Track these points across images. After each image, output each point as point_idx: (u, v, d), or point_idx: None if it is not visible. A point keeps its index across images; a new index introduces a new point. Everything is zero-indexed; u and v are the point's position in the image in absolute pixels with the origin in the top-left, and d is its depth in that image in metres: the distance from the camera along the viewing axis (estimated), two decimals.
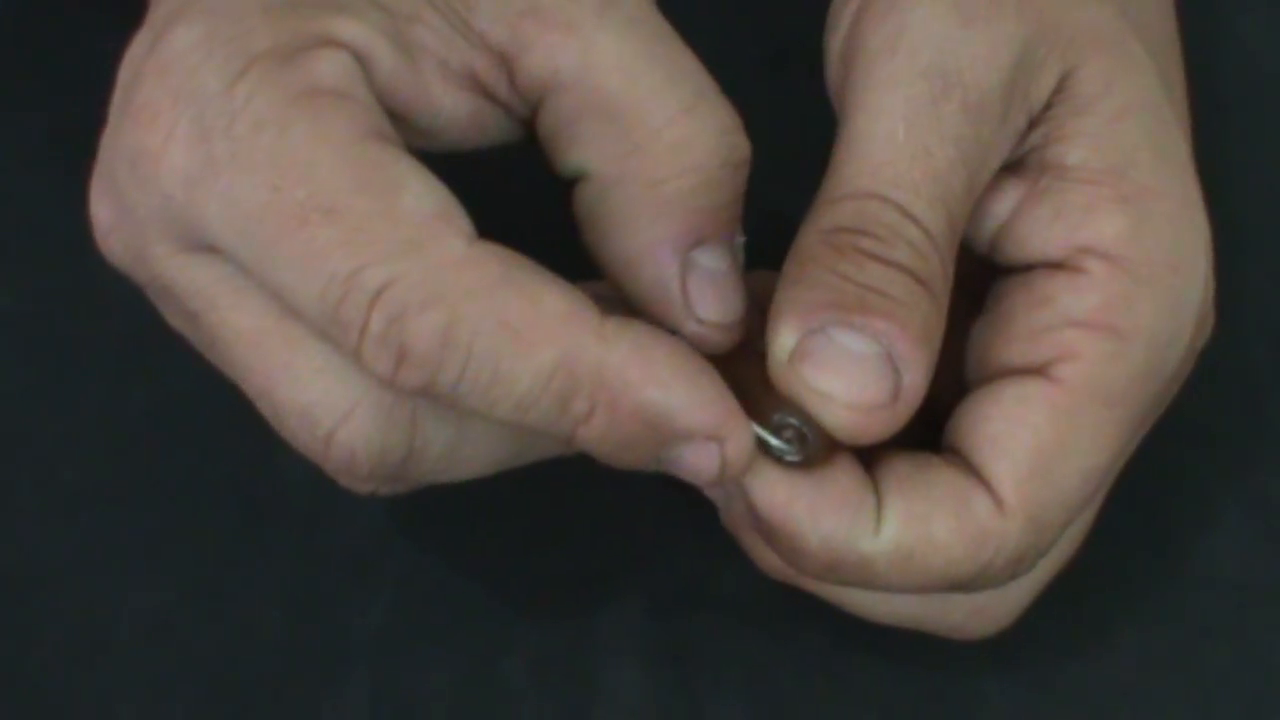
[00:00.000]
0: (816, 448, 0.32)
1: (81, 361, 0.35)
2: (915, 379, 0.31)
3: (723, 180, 0.32)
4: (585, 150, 0.32)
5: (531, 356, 0.30)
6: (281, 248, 0.30)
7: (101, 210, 0.32)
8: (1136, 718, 0.39)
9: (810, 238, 0.33)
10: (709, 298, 0.32)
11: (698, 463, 0.31)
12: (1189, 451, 0.36)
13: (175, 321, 0.33)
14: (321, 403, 0.31)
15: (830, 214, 0.33)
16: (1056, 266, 0.34)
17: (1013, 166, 0.34)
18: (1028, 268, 0.34)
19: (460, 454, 0.32)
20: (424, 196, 0.30)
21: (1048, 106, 0.34)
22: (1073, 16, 0.34)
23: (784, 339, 0.32)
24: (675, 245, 0.32)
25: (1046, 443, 0.33)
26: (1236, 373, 0.42)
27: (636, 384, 0.30)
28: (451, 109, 0.32)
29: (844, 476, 0.32)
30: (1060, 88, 0.34)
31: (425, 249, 0.29)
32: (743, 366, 0.33)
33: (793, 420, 0.32)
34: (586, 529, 0.40)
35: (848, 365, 0.31)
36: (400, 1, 0.31)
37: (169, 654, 0.38)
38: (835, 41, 0.35)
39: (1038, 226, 0.34)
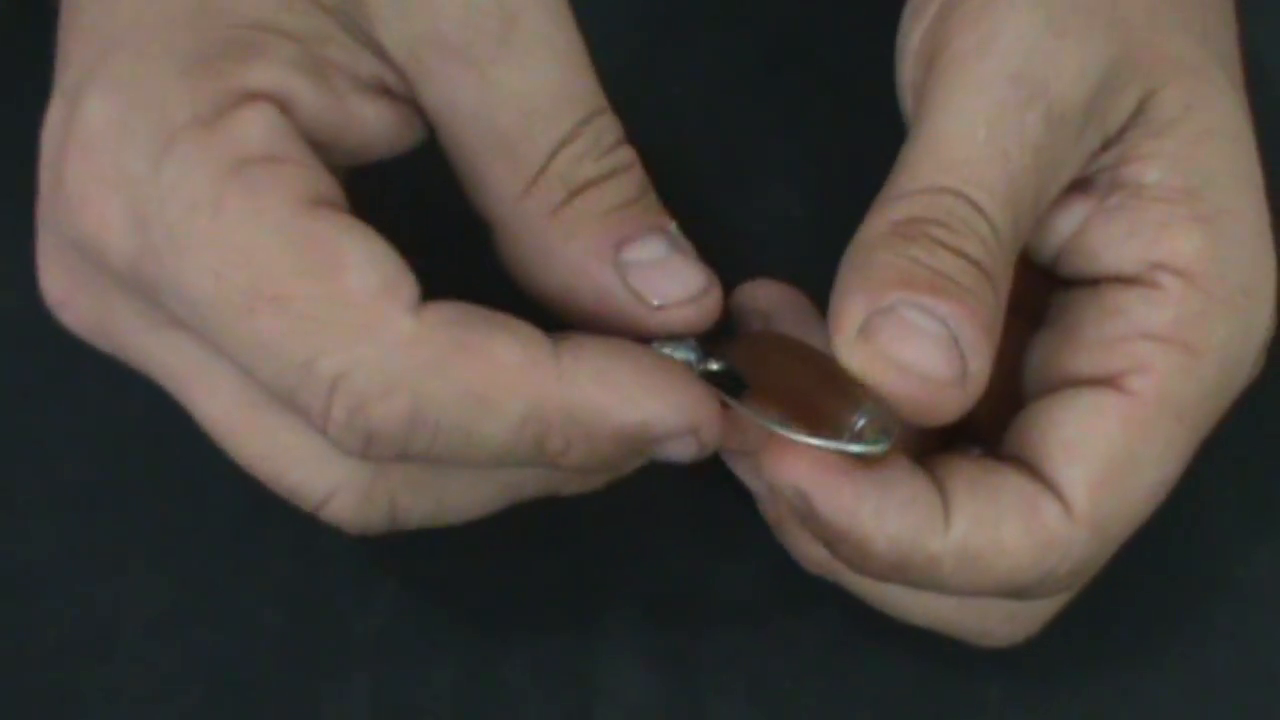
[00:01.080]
0: (895, 435, 0.31)
1: (83, 361, 0.35)
2: (980, 365, 0.32)
3: (618, 186, 0.32)
4: (486, 195, 0.32)
5: (499, 417, 0.30)
6: (233, 336, 0.29)
7: (54, 283, 0.32)
8: (1136, 718, 0.39)
9: (879, 227, 0.33)
10: (658, 283, 0.32)
11: (678, 452, 0.32)
12: None
13: None
14: (301, 486, 0.32)
15: (902, 206, 0.33)
16: (1129, 280, 0.34)
17: (1080, 184, 0.34)
18: (1095, 281, 0.34)
19: (446, 514, 0.33)
20: (368, 270, 0.30)
21: (1124, 129, 0.34)
22: (1157, 40, 0.34)
23: (852, 315, 0.32)
24: (599, 254, 0.32)
25: (1120, 452, 0.33)
26: None
27: (608, 412, 0.31)
28: (375, 119, 0.32)
29: (908, 476, 0.32)
30: (1139, 110, 0.34)
31: (376, 332, 0.29)
32: (798, 376, 0.33)
33: (868, 414, 0.31)
34: (587, 529, 0.40)
35: (920, 339, 0.31)
36: (308, 25, 0.31)
37: (169, 654, 0.38)
38: (913, 39, 0.36)
39: (1110, 242, 0.34)
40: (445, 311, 0.30)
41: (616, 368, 0.31)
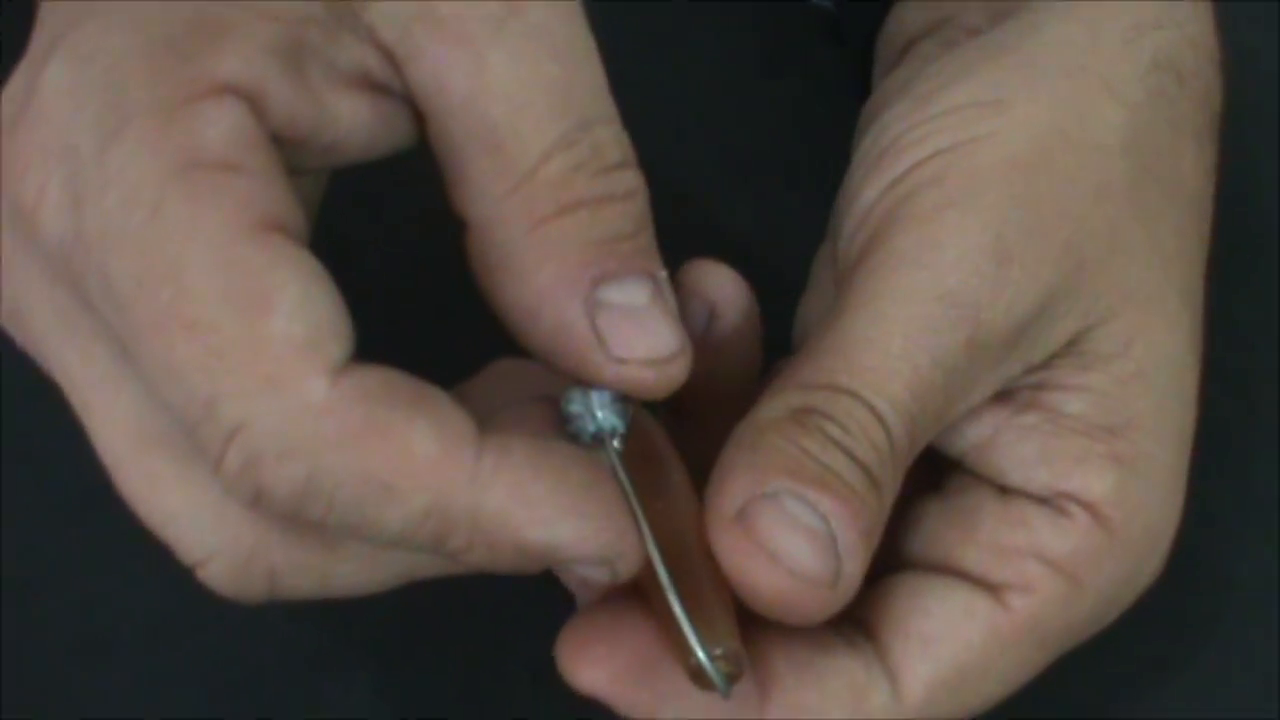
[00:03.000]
0: (739, 672, 0.30)
1: None
2: (854, 569, 0.30)
3: (609, 215, 0.30)
4: (467, 190, 0.30)
5: (400, 506, 0.28)
6: (145, 350, 0.27)
7: None
8: (1136, 718, 0.39)
9: (775, 410, 0.31)
10: (627, 333, 0.30)
11: (589, 576, 0.30)
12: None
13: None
14: (178, 544, 0.30)
15: (801, 396, 0.31)
16: (1037, 499, 0.33)
17: (996, 394, 0.34)
18: (1004, 488, 0.34)
19: (333, 592, 0.31)
20: (295, 317, 0.27)
21: (1053, 356, 0.33)
22: (1113, 267, 0.33)
23: (732, 494, 0.30)
24: (570, 285, 0.29)
25: (974, 663, 0.32)
26: (1236, 373, 0.42)
27: (515, 526, 0.28)
28: (352, 116, 0.30)
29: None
30: (1074, 342, 0.33)
31: (285, 390, 0.27)
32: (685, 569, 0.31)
33: (724, 648, 0.30)
34: None
35: (798, 533, 0.30)
36: (289, 7, 0.29)
37: (169, 653, 0.38)
38: (865, 196, 0.34)
39: (1021, 462, 0.33)
40: (367, 382, 0.28)
41: (537, 481, 0.28)
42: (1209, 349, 0.36)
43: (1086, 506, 0.33)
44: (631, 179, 0.30)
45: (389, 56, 0.29)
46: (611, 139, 0.30)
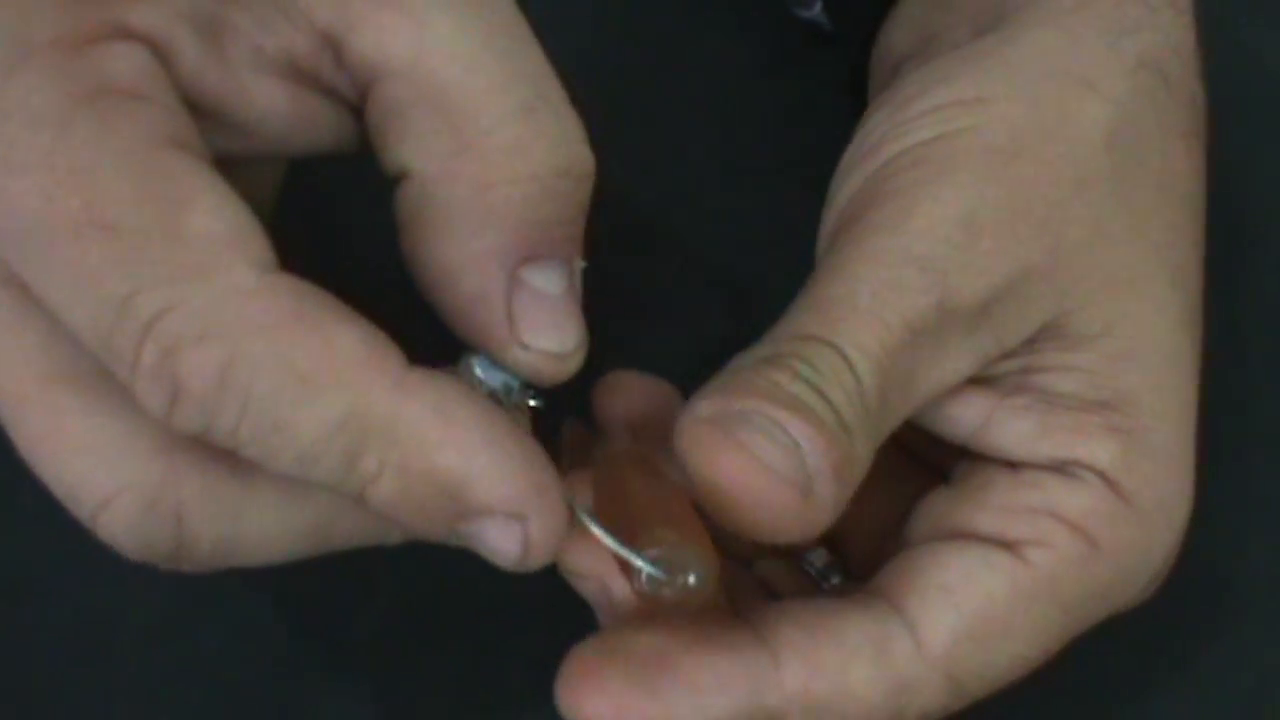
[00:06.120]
0: (702, 579, 0.29)
1: None
2: (826, 494, 0.30)
3: (559, 192, 0.29)
4: (411, 145, 0.29)
5: (316, 405, 0.27)
6: (53, 264, 0.27)
7: None
8: (1136, 717, 0.39)
9: (746, 359, 0.31)
10: (538, 321, 0.29)
11: (499, 542, 0.29)
12: None
13: None
14: (82, 484, 0.29)
15: (772, 347, 0.31)
16: (1048, 467, 0.33)
17: (981, 380, 0.33)
18: (1013, 464, 0.34)
19: (240, 547, 0.30)
20: (216, 215, 0.27)
21: (1031, 341, 0.33)
22: (1095, 251, 0.33)
23: (704, 408, 0.30)
24: (502, 258, 0.29)
25: (997, 613, 0.32)
26: (1236, 373, 0.42)
27: (431, 445, 0.27)
28: (267, 101, 0.29)
29: (720, 641, 0.31)
30: (1051, 326, 0.33)
31: (209, 276, 0.26)
32: (633, 499, 0.30)
33: (671, 549, 0.29)
34: None
35: (768, 439, 0.30)
36: None
37: (168, 656, 0.38)
38: (843, 194, 0.34)
39: (1021, 438, 0.33)
40: (295, 282, 0.27)
41: (463, 408, 0.28)
42: (1210, 349, 0.36)
43: (1097, 472, 0.33)
44: (589, 160, 0.30)
45: (324, 41, 0.29)
46: (571, 114, 0.30)
